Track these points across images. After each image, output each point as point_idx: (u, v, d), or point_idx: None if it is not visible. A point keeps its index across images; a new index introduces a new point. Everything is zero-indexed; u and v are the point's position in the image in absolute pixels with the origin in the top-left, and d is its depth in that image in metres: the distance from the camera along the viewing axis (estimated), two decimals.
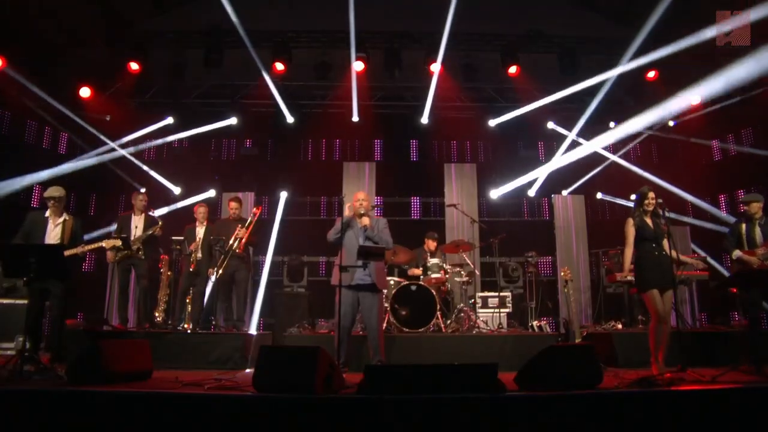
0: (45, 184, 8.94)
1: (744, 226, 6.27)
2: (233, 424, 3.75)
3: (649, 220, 5.69)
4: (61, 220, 6.30)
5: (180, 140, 11.66)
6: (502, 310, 8.53)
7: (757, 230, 6.20)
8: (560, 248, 11.14)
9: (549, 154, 12.47)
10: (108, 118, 10.49)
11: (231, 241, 7.69)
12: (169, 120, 11.36)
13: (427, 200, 12.43)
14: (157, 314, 8.01)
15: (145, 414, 3.83)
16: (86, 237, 6.90)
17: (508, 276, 9.81)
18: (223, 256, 7.62)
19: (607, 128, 11.55)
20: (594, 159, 11.82)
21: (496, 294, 8.83)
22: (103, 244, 6.41)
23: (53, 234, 6.23)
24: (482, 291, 9.27)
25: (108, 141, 10.73)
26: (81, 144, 10.84)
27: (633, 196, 5.90)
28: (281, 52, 10.23)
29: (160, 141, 11.28)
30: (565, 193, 11.98)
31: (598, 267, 10.67)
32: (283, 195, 11.77)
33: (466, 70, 10.82)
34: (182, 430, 3.79)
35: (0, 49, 8.95)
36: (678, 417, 3.81)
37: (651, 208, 5.68)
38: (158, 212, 9.16)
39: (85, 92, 10.26)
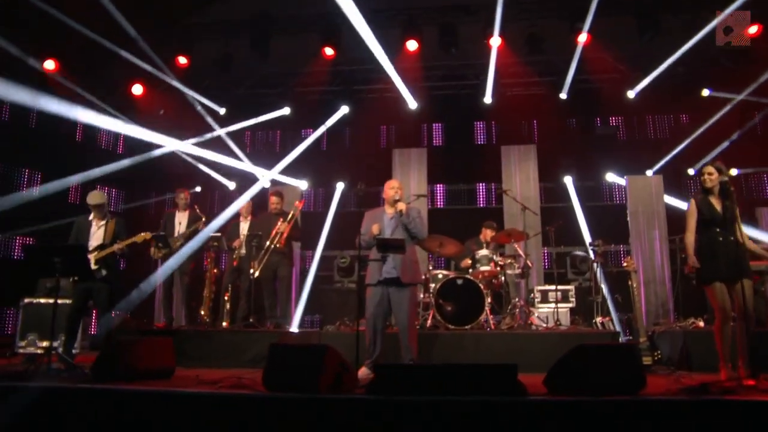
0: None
1: None
2: (240, 423, 3.76)
3: (715, 201, 4.83)
4: (103, 222, 6.42)
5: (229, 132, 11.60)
6: (563, 305, 7.72)
7: None
8: (634, 236, 9.91)
9: (630, 130, 11.54)
10: (161, 112, 10.63)
11: (272, 236, 7.43)
12: (222, 111, 11.27)
13: (489, 186, 11.65)
14: (202, 312, 7.98)
15: (154, 412, 3.86)
16: None
17: (576, 267, 8.90)
18: (263, 252, 7.38)
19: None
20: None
21: (555, 288, 7.95)
22: (135, 239, 6.42)
23: (96, 236, 6.36)
24: (544, 284, 8.50)
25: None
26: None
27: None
28: (330, 36, 9.90)
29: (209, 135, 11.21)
30: (649, 172, 10.77)
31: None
32: (340, 186, 11.43)
33: (531, 40, 9.91)
34: (190, 428, 3.78)
35: (53, 53, 9.27)
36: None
37: (710, 185, 4.84)
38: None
39: (137, 89, 10.45)
